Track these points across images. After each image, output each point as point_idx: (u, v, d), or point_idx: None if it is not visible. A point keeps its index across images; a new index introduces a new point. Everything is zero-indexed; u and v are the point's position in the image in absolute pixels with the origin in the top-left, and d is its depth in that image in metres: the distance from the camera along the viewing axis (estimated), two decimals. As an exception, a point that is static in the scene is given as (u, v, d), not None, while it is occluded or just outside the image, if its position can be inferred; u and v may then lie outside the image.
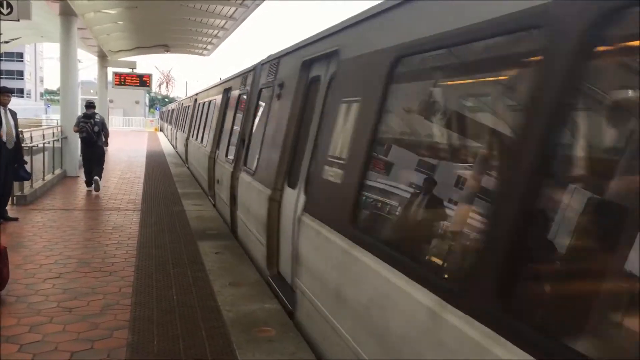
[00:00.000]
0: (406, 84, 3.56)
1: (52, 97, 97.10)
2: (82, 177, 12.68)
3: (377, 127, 3.53)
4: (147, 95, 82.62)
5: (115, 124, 51.65)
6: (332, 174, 4.14)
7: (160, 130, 48.10)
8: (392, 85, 3.47)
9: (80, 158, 13.09)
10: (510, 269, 2.10)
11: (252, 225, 6.81)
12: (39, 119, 48.01)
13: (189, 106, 20.83)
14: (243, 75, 9.47)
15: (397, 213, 3.48)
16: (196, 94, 19.26)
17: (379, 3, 3.95)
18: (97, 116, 11.92)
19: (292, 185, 5.49)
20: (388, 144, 3.70)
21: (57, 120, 19.73)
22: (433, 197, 3.00)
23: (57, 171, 13.59)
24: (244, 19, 19.87)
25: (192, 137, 16.50)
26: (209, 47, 26.97)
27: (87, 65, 58.56)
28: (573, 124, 2.11)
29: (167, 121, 40.03)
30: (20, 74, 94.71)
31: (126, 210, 10.00)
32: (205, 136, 13.07)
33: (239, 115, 8.99)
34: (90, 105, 12.10)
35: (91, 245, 7.36)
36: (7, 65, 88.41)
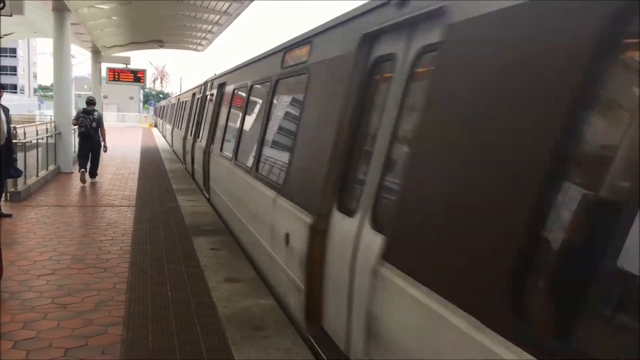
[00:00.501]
0: (236, 100, 8.77)
1: (45, 92, 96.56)
2: (77, 173, 12.93)
3: (228, 115, 9.18)
4: (142, 91, 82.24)
5: (109, 120, 51.42)
6: (218, 134, 9.90)
7: (155, 126, 47.85)
8: (234, 99, 8.99)
9: (75, 154, 13.86)
10: (284, 174, 5.22)
11: (198, 168, 12.42)
12: (32, 114, 47.70)
13: (174, 104, 25.43)
14: (200, 86, 15.21)
15: (252, 149, 6.96)
16: (179, 95, 25.58)
17: (236, 65, 9.72)
18: (95, 113, 12.73)
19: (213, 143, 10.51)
20: (232, 123, 8.78)
21: (50, 116, 19.67)
22: (240, 138, 8.01)
23: (51, 167, 13.52)
24: (238, 15, 19.80)
25: (176, 127, 21.85)
26: (204, 42, 26.87)
27: (81, 61, 58.37)
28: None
29: (159, 116, 41.54)
30: (13, 69, 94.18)
31: (120, 206, 9.97)
32: (182, 124, 18.46)
33: (198, 111, 14.14)
34: (90, 102, 12.91)
35: (85, 242, 7.34)
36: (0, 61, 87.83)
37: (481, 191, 2.21)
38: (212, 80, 12.69)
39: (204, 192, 11.32)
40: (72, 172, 14.29)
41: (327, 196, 3.96)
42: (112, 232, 7.89)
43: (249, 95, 7.75)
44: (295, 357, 3.99)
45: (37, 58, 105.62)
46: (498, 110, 2.21)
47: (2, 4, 7.82)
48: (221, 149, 9.18)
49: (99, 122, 12.72)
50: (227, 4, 18.58)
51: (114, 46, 25.94)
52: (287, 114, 6.02)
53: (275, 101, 6.26)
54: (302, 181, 4.56)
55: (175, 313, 4.84)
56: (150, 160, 18.27)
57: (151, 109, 67.34)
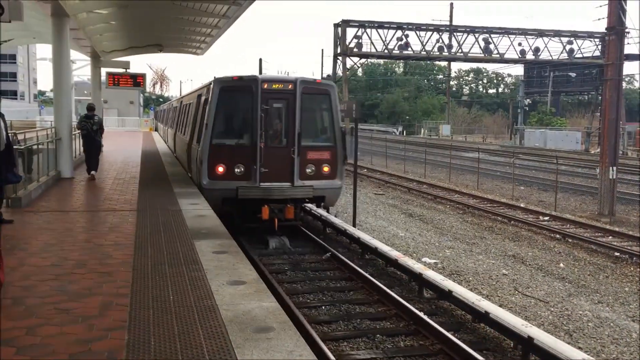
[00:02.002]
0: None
1: (45, 98, 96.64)
2: (77, 178, 13.74)
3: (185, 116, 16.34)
4: (142, 95, 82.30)
5: (110, 124, 51.41)
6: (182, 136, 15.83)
7: (155, 130, 47.85)
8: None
9: (76, 157, 16.11)
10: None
11: (170, 142, 19.46)
12: (32, 120, 47.67)
13: (173, 108, 26.63)
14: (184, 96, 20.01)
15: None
16: (172, 101, 29.73)
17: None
18: (95, 117, 14.60)
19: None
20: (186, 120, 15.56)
21: (51, 121, 19.82)
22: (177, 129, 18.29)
23: (52, 173, 13.54)
24: (237, 18, 19.79)
25: (170, 127, 25.22)
26: (203, 46, 26.84)
27: (81, 66, 58.26)
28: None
29: (160, 120, 42.07)
30: (13, 75, 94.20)
31: (122, 210, 9.97)
32: (174, 124, 21.72)
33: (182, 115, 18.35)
34: (91, 107, 14.82)
35: (87, 247, 7.34)
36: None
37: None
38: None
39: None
40: (73, 178, 14.34)
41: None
42: (114, 237, 7.90)
43: None
44: (299, 359, 3.99)
45: (36, 64, 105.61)
46: None
47: (0, 10, 7.82)
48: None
49: (100, 124, 14.62)
50: (225, 7, 18.59)
51: (113, 51, 25.95)
52: None
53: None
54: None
55: (177, 317, 4.84)
56: (151, 165, 18.28)
57: (151, 113, 67.35)
